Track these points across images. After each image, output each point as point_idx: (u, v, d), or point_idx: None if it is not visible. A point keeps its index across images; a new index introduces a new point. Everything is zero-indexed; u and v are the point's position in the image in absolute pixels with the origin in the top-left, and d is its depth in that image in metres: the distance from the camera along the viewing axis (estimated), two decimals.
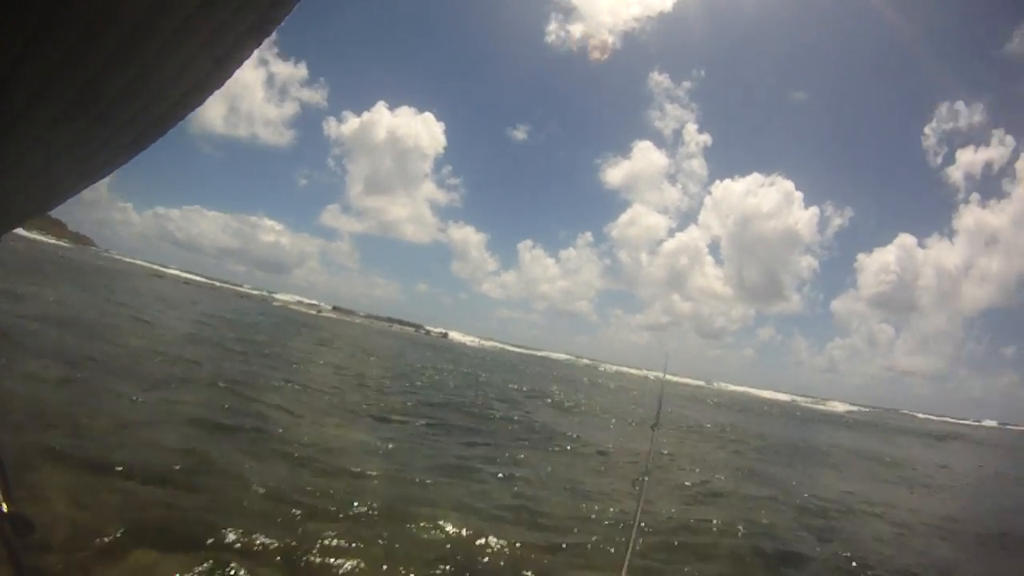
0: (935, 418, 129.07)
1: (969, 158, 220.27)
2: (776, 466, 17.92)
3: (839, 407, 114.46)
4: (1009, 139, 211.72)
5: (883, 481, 19.30)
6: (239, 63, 1.43)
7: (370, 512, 7.53)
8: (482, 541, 7.26)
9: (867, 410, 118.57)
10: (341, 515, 7.31)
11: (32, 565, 1.65)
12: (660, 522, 9.39)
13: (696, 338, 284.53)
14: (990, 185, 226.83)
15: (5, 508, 1.50)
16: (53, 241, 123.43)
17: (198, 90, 1.46)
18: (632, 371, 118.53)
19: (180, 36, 1.23)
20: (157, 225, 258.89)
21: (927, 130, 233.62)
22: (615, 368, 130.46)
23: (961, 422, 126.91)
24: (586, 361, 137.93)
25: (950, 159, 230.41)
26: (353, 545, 6.50)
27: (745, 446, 22.73)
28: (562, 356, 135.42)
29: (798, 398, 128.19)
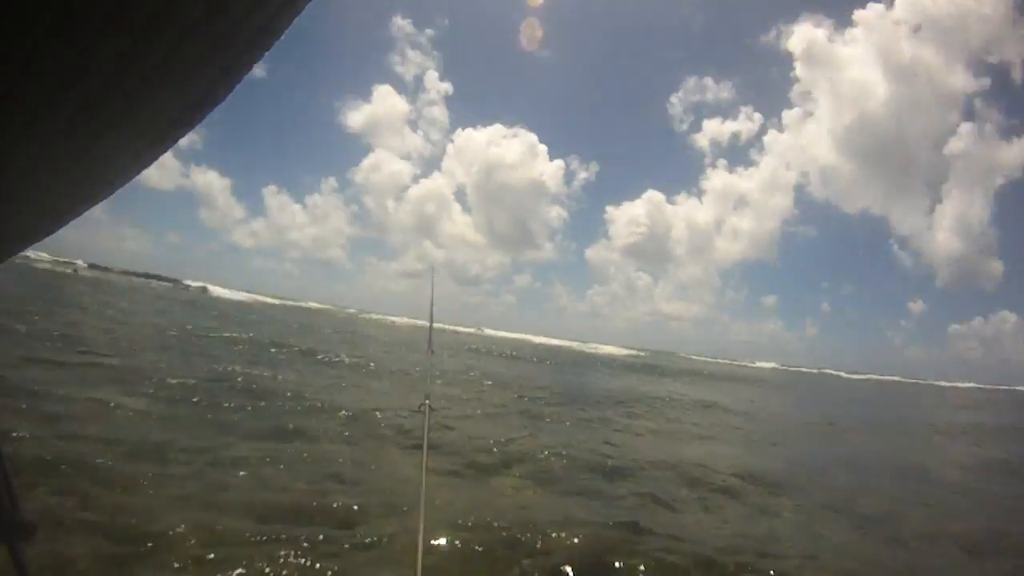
0: (715, 360, 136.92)
1: (716, 128, 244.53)
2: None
3: (614, 350, 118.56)
4: (757, 116, 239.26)
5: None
6: (241, 75, 1.41)
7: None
8: None
9: (643, 353, 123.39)
10: None
11: (35, 568, 1.63)
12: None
13: (454, 285, 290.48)
14: (738, 154, 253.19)
15: (8, 512, 1.58)
16: None
17: (200, 104, 1.45)
18: (397, 319, 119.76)
19: (182, 48, 1.22)
20: None
21: (674, 99, 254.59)
22: (380, 316, 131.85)
23: (740, 364, 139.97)
24: (351, 311, 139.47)
25: (697, 127, 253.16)
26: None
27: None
28: (323, 306, 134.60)
29: (569, 343, 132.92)
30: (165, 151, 1.55)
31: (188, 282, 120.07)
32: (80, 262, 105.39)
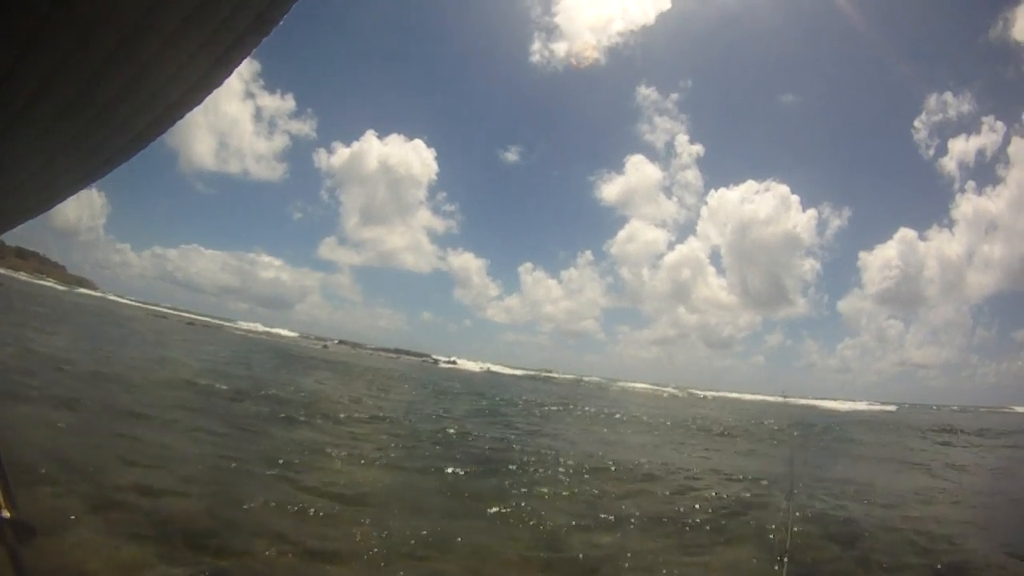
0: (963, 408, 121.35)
1: (961, 147, 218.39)
2: None
3: (858, 406, 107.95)
4: (999, 125, 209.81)
5: None
6: (237, 63, 1.45)
7: None
8: None
9: (892, 408, 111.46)
10: None
11: (34, 569, 1.58)
12: None
13: (704, 348, 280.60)
14: (984, 172, 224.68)
15: (7, 514, 1.57)
16: (54, 285, 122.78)
17: (196, 90, 1.48)
18: (642, 386, 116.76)
19: (179, 36, 1.25)
20: (156, 265, 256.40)
21: (917, 123, 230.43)
22: (626, 384, 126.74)
23: (1000, 409, 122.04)
24: (596, 379, 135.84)
25: (943, 150, 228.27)
26: None
27: None
28: (568, 376, 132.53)
29: (810, 400, 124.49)
30: (163, 132, 1.64)
31: (436, 356, 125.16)
32: (333, 339, 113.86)
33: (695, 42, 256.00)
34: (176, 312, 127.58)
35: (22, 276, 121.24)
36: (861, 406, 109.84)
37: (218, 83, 1.48)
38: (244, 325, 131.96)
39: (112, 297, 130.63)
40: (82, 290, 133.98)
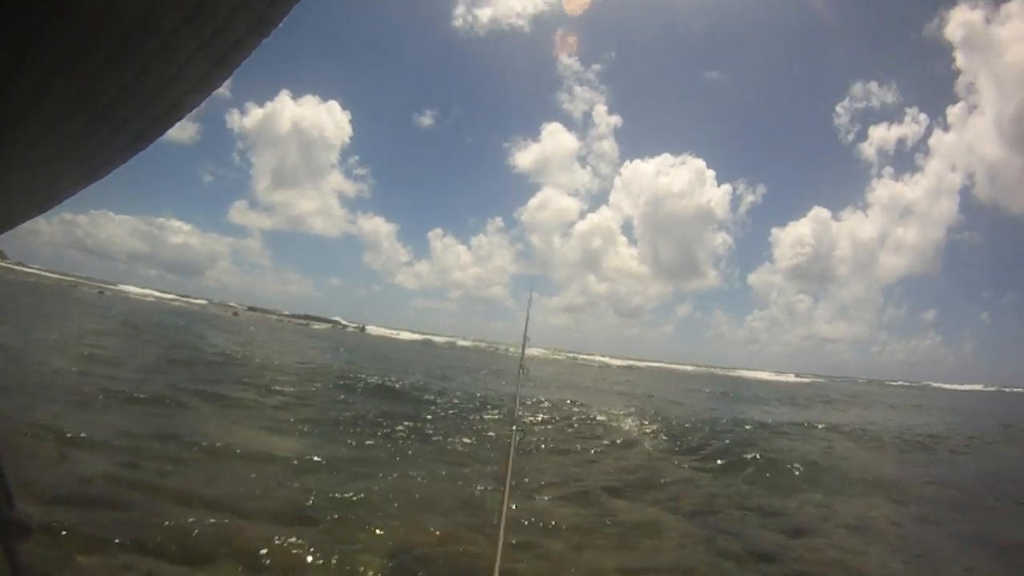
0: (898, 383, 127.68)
1: (882, 134, 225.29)
2: None
3: (781, 377, 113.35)
4: (923, 117, 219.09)
5: None
6: (238, 63, 1.44)
7: None
8: None
9: (808, 380, 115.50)
10: None
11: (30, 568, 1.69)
12: None
13: (614, 317, 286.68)
14: (904, 160, 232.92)
15: (3, 512, 1.56)
16: None
17: (197, 91, 1.48)
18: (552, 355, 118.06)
19: (179, 36, 1.25)
20: (66, 232, 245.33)
21: (839, 108, 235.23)
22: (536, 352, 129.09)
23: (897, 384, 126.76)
24: (500, 346, 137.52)
25: (863, 136, 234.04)
26: None
27: None
28: (475, 343, 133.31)
29: (719, 370, 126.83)
30: (164, 133, 1.61)
31: (345, 322, 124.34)
32: (238, 305, 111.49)
33: (622, 15, 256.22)
34: (88, 281, 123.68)
35: None
36: (788, 378, 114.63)
37: (218, 84, 1.49)
38: (156, 293, 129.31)
39: (28, 269, 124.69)
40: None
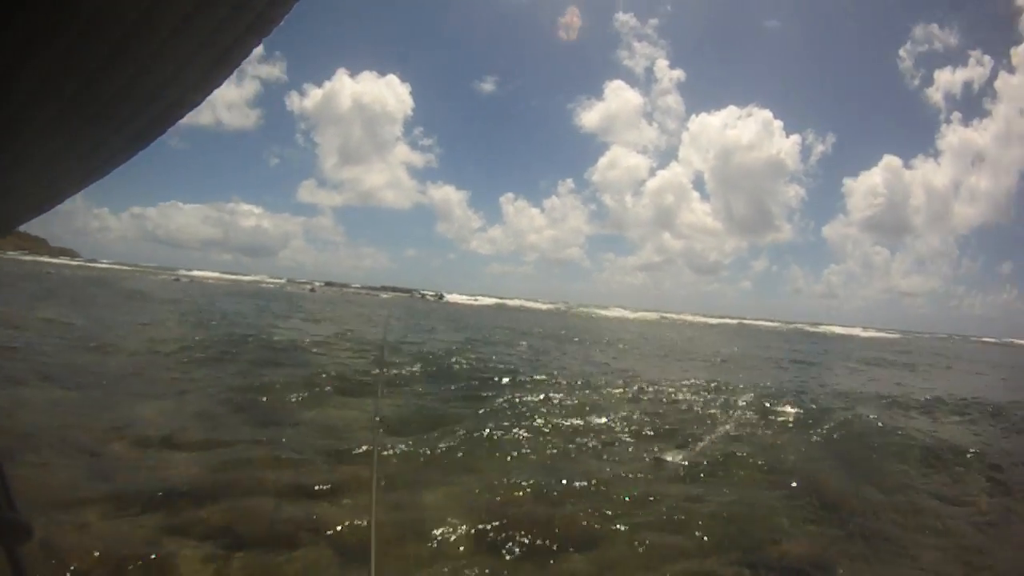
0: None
1: (947, 78, 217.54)
2: None
3: (866, 333, 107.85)
4: (987, 59, 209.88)
5: None
6: (238, 62, 1.42)
7: None
8: None
9: (891, 335, 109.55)
10: None
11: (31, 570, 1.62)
12: None
13: (691, 274, 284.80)
14: (971, 105, 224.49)
15: (4, 513, 1.55)
16: (47, 260, 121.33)
17: (197, 90, 1.47)
18: (628, 314, 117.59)
19: (179, 35, 1.24)
20: (136, 226, 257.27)
21: (902, 52, 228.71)
22: (604, 312, 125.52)
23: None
24: (579, 308, 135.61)
25: (928, 80, 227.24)
26: None
27: None
28: (551, 306, 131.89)
29: (804, 326, 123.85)
30: (164, 132, 1.58)
31: (423, 291, 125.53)
32: (318, 282, 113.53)
33: None
34: (160, 270, 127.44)
35: (11, 254, 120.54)
36: (872, 334, 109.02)
37: (218, 83, 1.47)
38: (229, 276, 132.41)
39: (100, 265, 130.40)
40: (71, 260, 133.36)
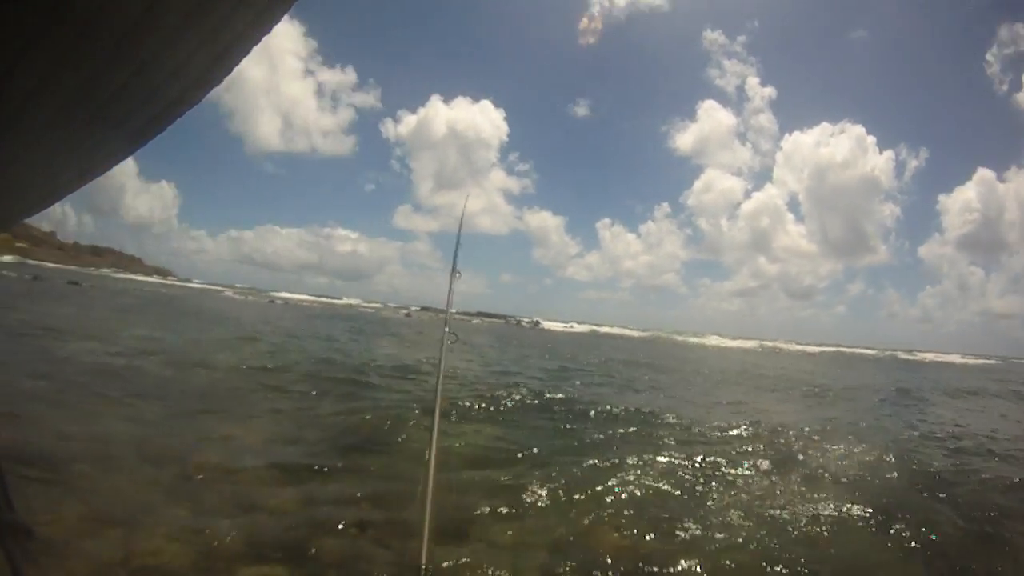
0: None
1: None
2: None
3: (966, 360, 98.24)
4: None
5: None
6: (238, 60, 1.42)
7: None
8: None
9: (996, 362, 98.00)
10: None
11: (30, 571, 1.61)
12: None
13: (786, 299, 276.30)
14: None
15: (4, 516, 1.55)
16: (141, 278, 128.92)
17: (197, 86, 1.46)
18: (727, 342, 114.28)
19: (179, 33, 1.24)
20: (233, 248, 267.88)
21: (989, 56, 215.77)
22: (701, 340, 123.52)
23: None
24: (671, 336, 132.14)
25: (1017, 85, 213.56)
26: None
27: None
28: (641, 333, 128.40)
29: (902, 353, 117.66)
30: (163, 130, 1.61)
31: (519, 317, 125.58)
32: (414, 307, 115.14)
33: None
34: (256, 291, 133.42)
35: (105, 272, 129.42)
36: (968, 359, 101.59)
37: (217, 81, 1.48)
38: (325, 299, 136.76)
39: (194, 285, 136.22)
40: (165, 279, 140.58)
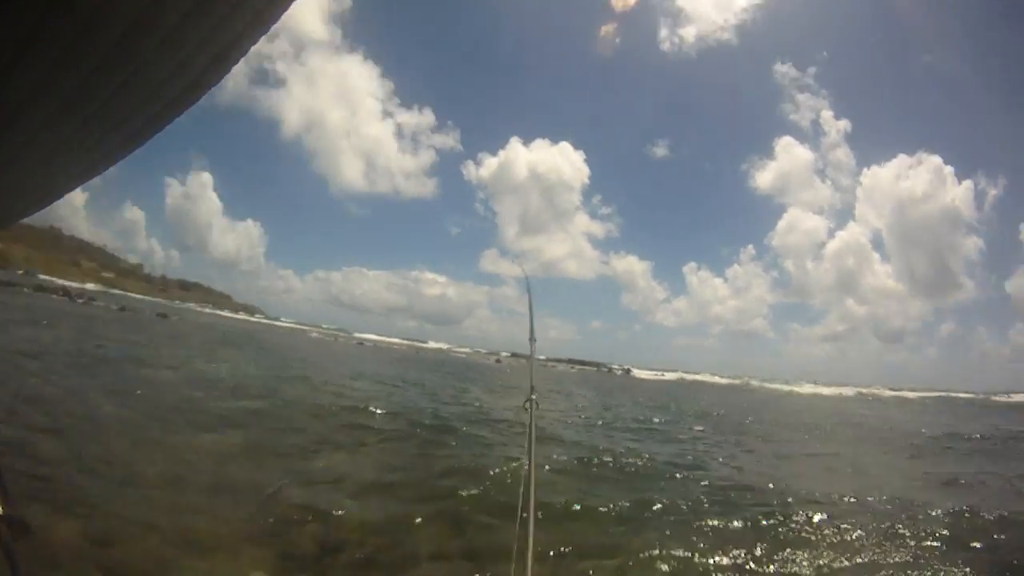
0: None
1: None
2: None
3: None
4: None
5: None
6: (235, 60, 1.44)
7: None
8: None
9: None
10: None
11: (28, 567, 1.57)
12: None
13: (876, 343, 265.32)
14: None
15: (1, 511, 1.55)
16: (228, 314, 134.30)
17: (196, 87, 1.48)
18: (822, 389, 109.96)
19: (178, 33, 1.25)
20: (320, 288, 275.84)
21: None
22: (794, 388, 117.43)
23: None
24: (763, 384, 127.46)
25: None
26: None
27: None
28: (728, 380, 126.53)
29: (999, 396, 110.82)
30: (161, 130, 1.62)
31: (611, 365, 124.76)
32: (504, 353, 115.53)
33: (823, 7, 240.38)
34: (342, 332, 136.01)
35: (191, 306, 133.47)
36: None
37: (216, 81, 1.49)
38: (416, 343, 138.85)
39: (282, 323, 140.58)
40: (252, 316, 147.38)
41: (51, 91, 1.31)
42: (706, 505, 10.06)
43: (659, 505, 9.72)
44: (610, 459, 13.22)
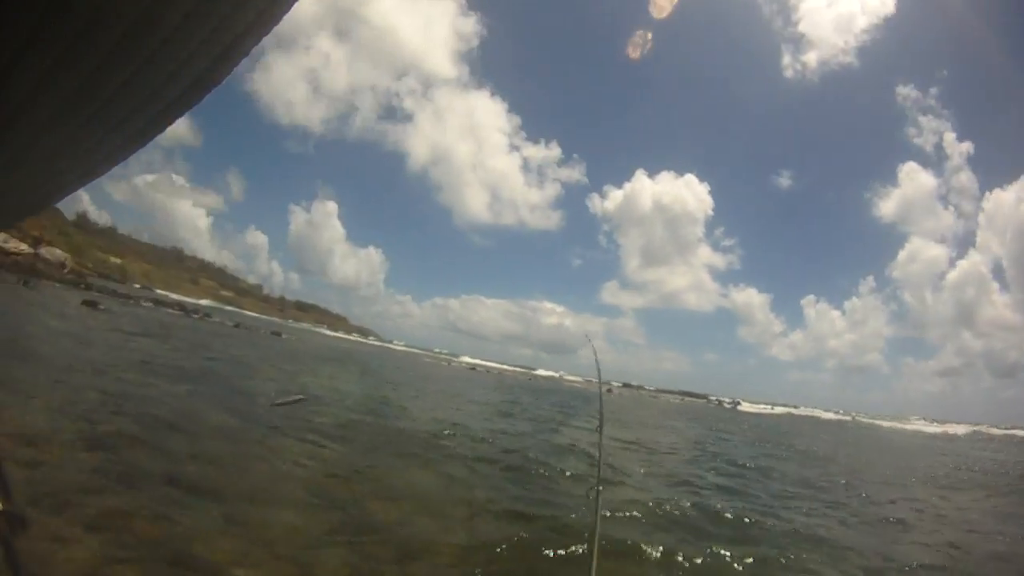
0: None
1: None
2: None
3: None
4: None
5: None
6: (238, 60, 1.44)
7: None
8: None
9: None
10: None
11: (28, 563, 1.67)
12: None
13: (990, 378, 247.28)
14: None
15: (1, 506, 1.61)
16: (341, 335, 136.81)
17: (197, 87, 1.47)
18: (930, 427, 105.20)
19: (179, 33, 1.25)
20: (438, 315, 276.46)
21: None
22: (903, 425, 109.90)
23: None
24: (873, 420, 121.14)
25: None
26: None
27: None
28: (837, 416, 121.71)
29: None
30: (162, 131, 1.62)
31: (718, 397, 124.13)
32: (615, 383, 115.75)
33: (940, 24, 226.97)
34: (453, 357, 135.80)
35: (306, 326, 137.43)
36: None
37: (218, 81, 1.48)
38: (533, 371, 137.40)
39: (397, 347, 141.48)
40: (366, 339, 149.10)
41: (51, 91, 1.31)
42: None
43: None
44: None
